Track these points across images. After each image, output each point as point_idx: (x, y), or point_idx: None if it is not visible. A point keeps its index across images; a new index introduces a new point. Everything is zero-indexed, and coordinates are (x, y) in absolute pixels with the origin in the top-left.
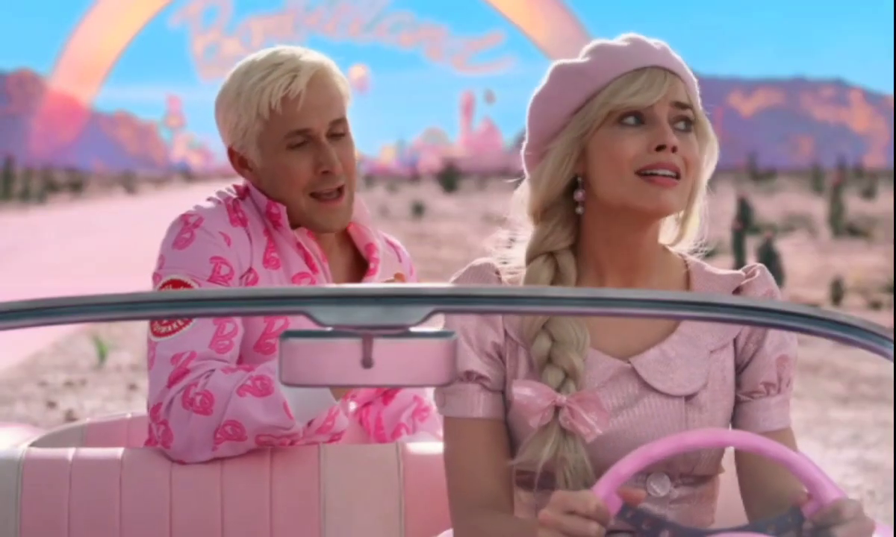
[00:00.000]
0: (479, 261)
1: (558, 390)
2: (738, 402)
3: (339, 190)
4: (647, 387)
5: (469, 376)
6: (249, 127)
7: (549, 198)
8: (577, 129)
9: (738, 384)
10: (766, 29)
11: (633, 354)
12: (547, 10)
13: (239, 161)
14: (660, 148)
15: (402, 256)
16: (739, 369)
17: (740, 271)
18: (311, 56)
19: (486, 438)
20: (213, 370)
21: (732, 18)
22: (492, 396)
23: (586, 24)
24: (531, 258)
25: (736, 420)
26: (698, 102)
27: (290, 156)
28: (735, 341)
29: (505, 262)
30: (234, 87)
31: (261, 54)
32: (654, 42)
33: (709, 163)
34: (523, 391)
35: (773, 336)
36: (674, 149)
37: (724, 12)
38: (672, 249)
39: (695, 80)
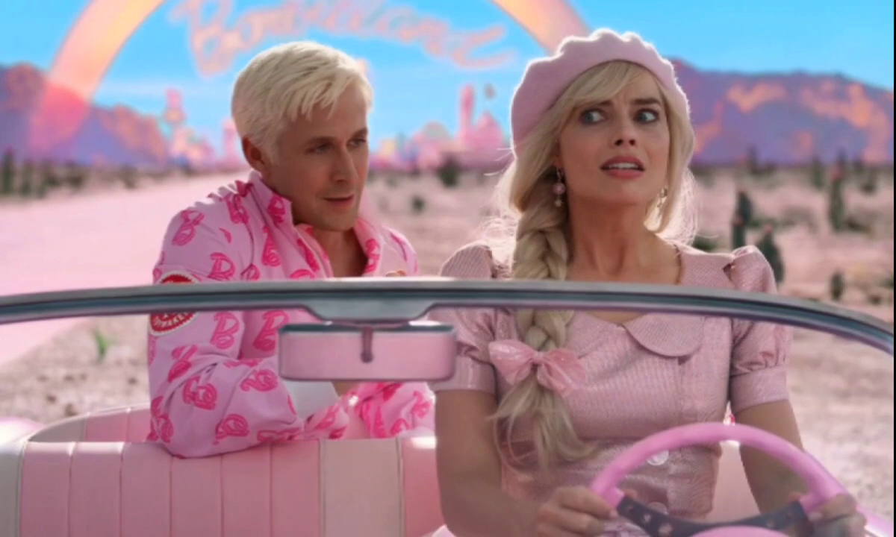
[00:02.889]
0: (467, 245)
1: (538, 350)
2: (737, 375)
3: (350, 196)
4: (641, 348)
5: (459, 348)
6: (273, 124)
7: (524, 189)
8: (548, 125)
9: (736, 355)
10: (767, 24)
11: (627, 320)
12: (547, 4)
13: (252, 152)
14: (618, 142)
15: (407, 253)
16: (737, 340)
17: (730, 254)
18: (345, 64)
19: (475, 409)
20: (215, 364)
21: (733, 13)
22: (481, 369)
23: (586, 18)
24: (520, 237)
25: (735, 393)
26: (673, 91)
27: (308, 159)
28: None
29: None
30: (263, 81)
31: (295, 51)
32: (626, 36)
33: (683, 150)
34: (501, 349)
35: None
36: (633, 142)
37: (725, 7)
38: (658, 235)
39: (669, 67)
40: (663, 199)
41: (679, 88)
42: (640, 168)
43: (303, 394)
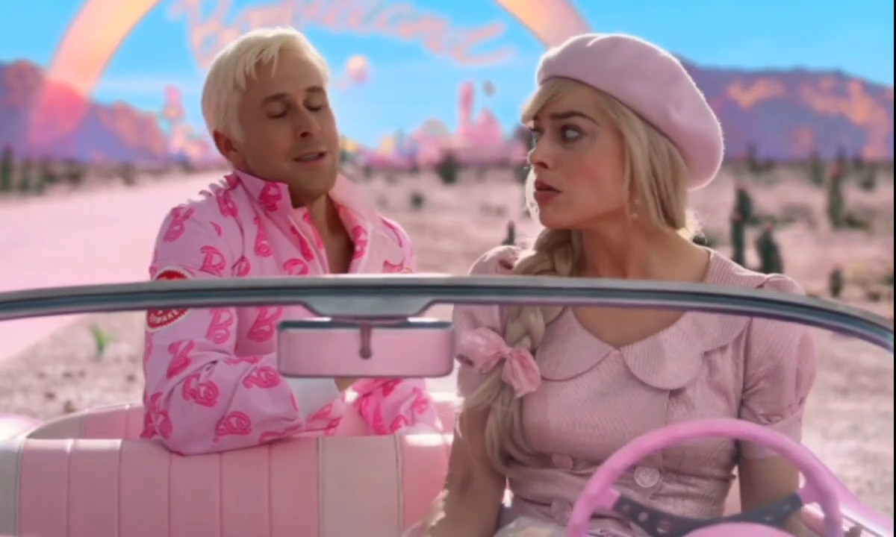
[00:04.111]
0: (489, 252)
1: (514, 344)
2: (755, 422)
3: (321, 154)
4: (632, 376)
5: (462, 358)
6: (229, 101)
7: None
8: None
9: (756, 402)
10: (766, 20)
11: (626, 343)
12: (546, 1)
13: (224, 144)
14: (534, 164)
15: (402, 239)
16: (754, 380)
17: (766, 275)
18: (279, 30)
19: (474, 417)
20: (215, 362)
21: (732, 10)
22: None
23: (585, 15)
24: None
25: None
26: (627, 97)
27: (269, 124)
28: (747, 351)
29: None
30: (213, 71)
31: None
32: (571, 44)
33: (641, 156)
34: (473, 338)
35: (793, 350)
36: (544, 164)
37: (724, 4)
38: (696, 244)
39: (629, 66)
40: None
41: (645, 87)
42: (554, 190)
43: (305, 391)
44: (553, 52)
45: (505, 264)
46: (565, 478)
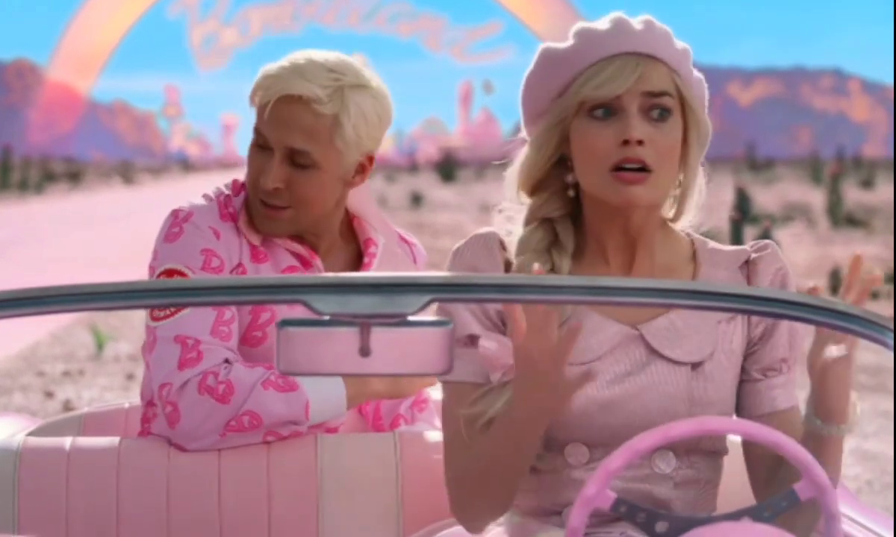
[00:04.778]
0: (483, 229)
1: None
2: (750, 380)
3: (284, 207)
4: (654, 353)
5: (472, 340)
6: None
7: (533, 176)
8: (556, 115)
9: (751, 361)
10: (765, 19)
11: (642, 322)
12: (546, 0)
13: None
14: (625, 141)
15: (417, 256)
16: (752, 344)
17: (747, 246)
18: (306, 79)
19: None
20: (229, 361)
21: (731, 8)
22: None
23: (584, 13)
24: (527, 224)
25: (747, 398)
26: (688, 80)
27: (254, 153)
28: (749, 316)
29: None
30: None
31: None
32: (638, 21)
33: (699, 140)
34: (490, 344)
35: None
36: (640, 142)
37: (724, 3)
38: (673, 226)
39: (686, 51)
40: (678, 191)
41: (695, 72)
42: (646, 169)
43: (318, 403)
44: (594, 26)
45: (501, 246)
46: (578, 480)
